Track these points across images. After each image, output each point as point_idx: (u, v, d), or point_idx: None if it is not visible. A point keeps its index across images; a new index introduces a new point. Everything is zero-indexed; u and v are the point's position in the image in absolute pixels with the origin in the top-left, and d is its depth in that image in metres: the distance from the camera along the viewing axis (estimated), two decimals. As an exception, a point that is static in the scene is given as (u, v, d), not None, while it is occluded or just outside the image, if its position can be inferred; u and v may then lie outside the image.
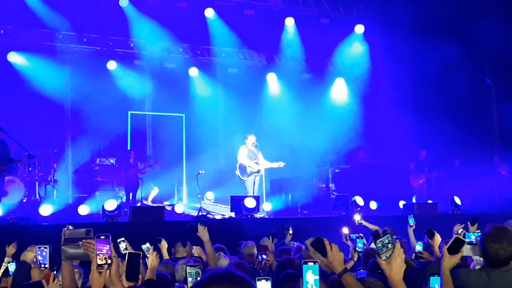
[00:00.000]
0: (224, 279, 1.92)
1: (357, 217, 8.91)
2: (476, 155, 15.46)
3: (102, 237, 3.27)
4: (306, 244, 3.55)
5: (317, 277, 3.03)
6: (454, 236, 3.58)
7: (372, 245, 5.43)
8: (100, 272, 3.28)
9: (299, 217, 12.51)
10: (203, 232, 6.06)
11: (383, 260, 2.88)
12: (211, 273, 1.96)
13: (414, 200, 14.36)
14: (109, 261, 3.27)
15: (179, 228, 9.69)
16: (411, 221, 7.58)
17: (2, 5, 13.26)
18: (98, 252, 3.27)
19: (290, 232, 8.41)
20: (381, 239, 2.91)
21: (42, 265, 3.96)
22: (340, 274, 3.30)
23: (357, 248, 6.65)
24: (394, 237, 6.69)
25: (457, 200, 12.84)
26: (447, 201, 13.17)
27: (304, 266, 3.05)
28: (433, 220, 9.87)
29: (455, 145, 15.32)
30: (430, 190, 15.14)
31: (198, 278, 3.34)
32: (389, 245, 2.90)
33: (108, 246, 3.27)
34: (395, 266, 2.85)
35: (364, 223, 8.65)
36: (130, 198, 13.26)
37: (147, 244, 5.51)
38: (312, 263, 3.05)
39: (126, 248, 5.49)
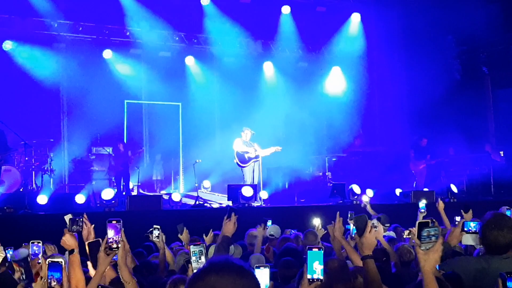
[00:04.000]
0: (223, 269, 1.90)
1: (365, 198, 8.77)
2: (471, 142, 15.50)
3: (113, 221, 3.41)
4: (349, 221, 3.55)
5: (322, 266, 3.04)
6: (417, 222, 3.47)
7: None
8: (108, 254, 3.48)
9: (296, 206, 12.54)
10: (229, 226, 5.40)
11: (422, 249, 2.90)
12: (209, 263, 1.95)
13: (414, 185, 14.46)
14: (113, 246, 3.46)
15: (176, 217, 9.73)
16: (423, 207, 7.37)
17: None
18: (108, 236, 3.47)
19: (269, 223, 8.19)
20: (428, 229, 2.91)
21: (36, 258, 3.87)
22: (365, 257, 3.36)
23: (353, 235, 6.63)
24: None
25: (454, 188, 12.89)
26: (443, 188, 13.23)
27: (309, 252, 3.05)
28: (429, 208, 9.89)
29: (450, 133, 15.35)
30: (427, 177, 15.17)
31: (202, 257, 3.39)
32: (433, 238, 2.90)
33: (114, 230, 3.39)
34: (431, 258, 2.88)
35: (368, 207, 8.62)
36: (122, 188, 13.29)
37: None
38: (316, 249, 3.06)
39: (158, 236, 5.53)
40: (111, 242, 3.49)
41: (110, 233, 3.44)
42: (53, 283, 3.38)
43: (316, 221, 7.93)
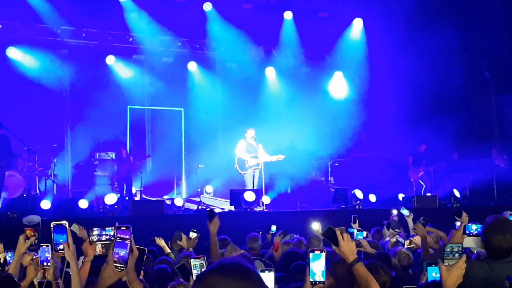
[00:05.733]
0: (226, 270, 1.88)
1: (395, 212, 8.41)
2: (474, 148, 15.49)
3: (122, 227, 3.38)
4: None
5: (324, 268, 3.05)
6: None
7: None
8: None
9: (299, 211, 12.55)
10: (215, 224, 5.87)
11: (445, 265, 2.92)
12: (217, 263, 1.94)
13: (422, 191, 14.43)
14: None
15: (179, 222, 9.75)
16: (405, 211, 7.57)
17: (1, 0, 13.23)
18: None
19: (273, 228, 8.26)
20: (452, 245, 2.98)
21: (45, 263, 3.74)
22: (352, 263, 3.32)
23: (355, 240, 6.66)
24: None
25: (456, 192, 12.89)
26: (446, 193, 13.23)
27: (311, 254, 3.07)
28: (432, 213, 9.91)
29: (453, 138, 15.34)
30: (429, 182, 15.14)
31: (203, 270, 3.35)
32: (456, 255, 2.94)
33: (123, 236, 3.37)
34: (454, 275, 2.91)
35: (409, 221, 7.64)
36: (124, 193, 13.32)
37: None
38: (318, 252, 3.07)
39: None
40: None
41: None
42: (60, 247, 3.46)
43: (315, 226, 7.96)
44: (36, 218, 3.85)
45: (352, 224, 7.52)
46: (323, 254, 3.06)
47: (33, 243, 3.76)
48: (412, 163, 14.91)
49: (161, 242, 6.72)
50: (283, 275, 4.75)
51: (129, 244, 3.23)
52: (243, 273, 1.89)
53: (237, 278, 1.86)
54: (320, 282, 3.03)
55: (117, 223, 3.73)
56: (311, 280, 3.04)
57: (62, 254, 3.51)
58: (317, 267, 3.04)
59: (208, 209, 6.29)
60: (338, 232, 3.33)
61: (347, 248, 3.31)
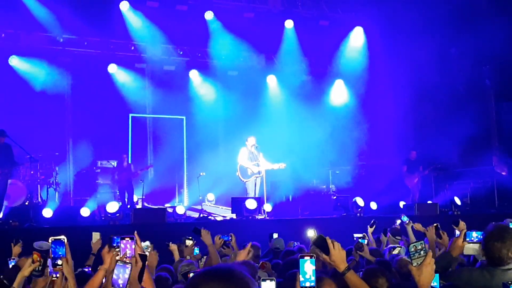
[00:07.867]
0: (211, 273, 1.95)
1: (405, 218, 8.10)
2: (475, 155, 15.50)
3: (126, 238, 3.36)
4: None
5: (314, 267, 3.03)
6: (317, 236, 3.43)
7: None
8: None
9: (300, 218, 12.55)
10: (206, 236, 6.04)
11: (414, 266, 2.96)
12: (210, 267, 2.01)
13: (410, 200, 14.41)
14: (127, 260, 3.31)
15: (181, 230, 9.76)
16: (405, 218, 7.57)
17: (3, 9, 13.31)
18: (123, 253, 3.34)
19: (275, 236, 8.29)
20: (414, 244, 3.00)
21: (54, 275, 3.61)
22: (343, 272, 3.31)
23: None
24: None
25: (457, 200, 12.91)
26: (446, 201, 13.24)
27: (300, 260, 3.05)
28: (433, 221, 9.89)
29: (454, 146, 15.36)
30: (428, 189, 15.13)
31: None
32: (422, 252, 2.97)
33: (126, 247, 3.34)
34: (425, 273, 2.93)
35: (409, 228, 7.24)
36: (126, 201, 13.34)
37: (147, 242, 5.54)
38: (308, 257, 3.06)
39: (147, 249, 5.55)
40: (125, 258, 3.39)
41: (123, 249, 3.39)
42: (59, 262, 3.45)
43: (311, 233, 7.98)
44: (46, 245, 3.83)
45: (368, 227, 7.54)
46: (313, 260, 3.06)
47: (37, 268, 3.71)
48: (407, 171, 14.88)
49: (174, 248, 6.71)
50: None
51: (129, 267, 3.16)
52: (227, 275, 1.94)
53: (220, 280, 1.92)
54: (311, 287, 3.04)
55: (136, 233, 3.62)
56: (301, 286, 3.04)
57: (61, 270, 3.48)
58: (308, 272, 3.04)
59: (192, 230, 6.31)
60: (329, 241, 3.33)
61: (338, 256, 3.31)
